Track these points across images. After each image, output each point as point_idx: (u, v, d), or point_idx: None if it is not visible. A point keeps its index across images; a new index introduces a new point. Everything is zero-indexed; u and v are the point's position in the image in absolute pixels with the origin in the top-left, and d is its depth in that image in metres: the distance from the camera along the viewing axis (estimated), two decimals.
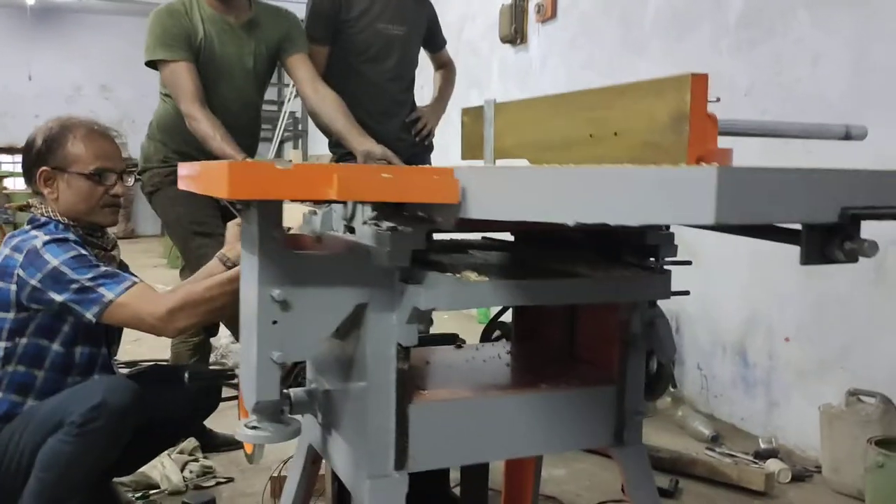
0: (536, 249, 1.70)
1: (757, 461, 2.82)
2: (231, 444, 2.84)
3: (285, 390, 1.48)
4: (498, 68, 5.36)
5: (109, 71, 10.87)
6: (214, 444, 2.79)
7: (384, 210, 1.35)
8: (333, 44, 2.76)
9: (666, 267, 1.51)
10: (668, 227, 1.48)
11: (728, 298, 3.33)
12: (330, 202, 1.27)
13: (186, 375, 1.67)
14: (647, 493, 1.53)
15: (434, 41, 3.07)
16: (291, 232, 1.57)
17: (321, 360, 1.62)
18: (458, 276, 1.29)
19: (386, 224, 1.30)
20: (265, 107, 2.89)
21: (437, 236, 1.79)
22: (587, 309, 1.64)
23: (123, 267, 2.16)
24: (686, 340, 3.58)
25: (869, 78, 2.70)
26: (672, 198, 0.75)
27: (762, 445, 2.93)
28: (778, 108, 3.01)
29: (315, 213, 1.68)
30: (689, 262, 1.57)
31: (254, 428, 1.35)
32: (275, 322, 1.26)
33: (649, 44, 3.80)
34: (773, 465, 2.74)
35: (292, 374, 2.24)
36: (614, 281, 1.36)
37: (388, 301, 1.33)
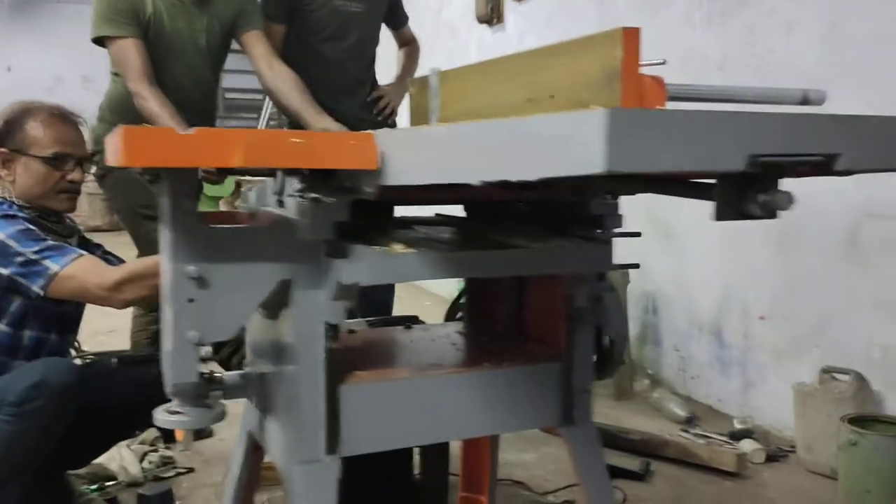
0: (483, 224, 1.63)
1: (731, 442, 2.76)
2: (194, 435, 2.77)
3: (217, 374, 1.42)
4: (476, 49, 5.28)
5: (90, 61, 10.64)
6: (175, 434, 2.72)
7: (311, 181, 1.29)
8: (290, 22, 2.68)
9: (615, 238, 1.45)
10: (612, 195, 1.41)
11: (703, 278, 3.27)
12: (235, 170, 1.20)
13: (114, 360, 1.61)
14: (596, 475, 1.47)
15: (396, 18, 2.99)
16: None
17: (258, 342, 1.55)
18: (383, 248, 1.22)
19: (310, 195, 1.23)
20: (249, 95, 2.83)
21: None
22: (535, 285, 1.58)
23: (89, 248, 2.11)
24: (663, 322, 3.52)
25: (842, 49, 2.63)
26: (564, 146, 0.68)
27: (737, 426, 2.88)
28: (751, 81, 2.93)
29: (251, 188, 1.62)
30: (637, 234, 1.50)
31: (175, 413, 1.29)
32: (191, 300, 1.20)
33: (624, 20, 3.71)
34: (746, 445, 2.69)
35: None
36: (549, 252, 1.28)
37: (314, 277, 1.26)
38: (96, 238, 2.27)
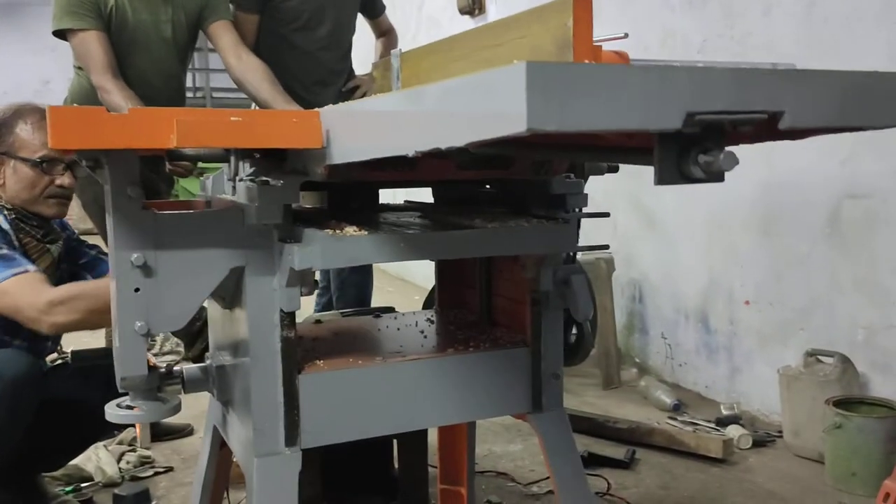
0: (448, 208, 1.60)
1: (718, 428, 2.73)
2: (173, 433, 2.74)
3: (176, 367, 1.38)
4: None
5: None
6: (155, 433, 2.69)
7: (263, 165, 1.25)
8: (262, 12, 2.63)
9: (581, 218, 1.41)
10: (574, 175, 1.37)
11: (688, 264, 3.23)
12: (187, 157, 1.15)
13: (69, 356, 1.56)
14: (567, 461, 1.43)
15: (372, 7, 2.94)
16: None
17: (217, 333, 1.51)
18: (335, 231, 1.18)
19: (259, 178, 1.19)
20: (237, 94, 2.78)
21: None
22: (502, 270, 1.54)
23: (82, 250, 2.08)
24: (649, 309, 3.48)
25: (820, 28, 2.60)
26: (486, 106, 0.65)
27: (724, 412, 2.84)
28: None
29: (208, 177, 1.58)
30: (606, 214, 1.46)
31: (127, 407, 1.25)
32: (137, 290, 1.16)
33: (604, 5, 3.67)
34: (733, 431, 2.66)
35: None
36: (504, 232, 1.24)
37: (268, 263, 1.22)
38: (89, 241, 2.21)
